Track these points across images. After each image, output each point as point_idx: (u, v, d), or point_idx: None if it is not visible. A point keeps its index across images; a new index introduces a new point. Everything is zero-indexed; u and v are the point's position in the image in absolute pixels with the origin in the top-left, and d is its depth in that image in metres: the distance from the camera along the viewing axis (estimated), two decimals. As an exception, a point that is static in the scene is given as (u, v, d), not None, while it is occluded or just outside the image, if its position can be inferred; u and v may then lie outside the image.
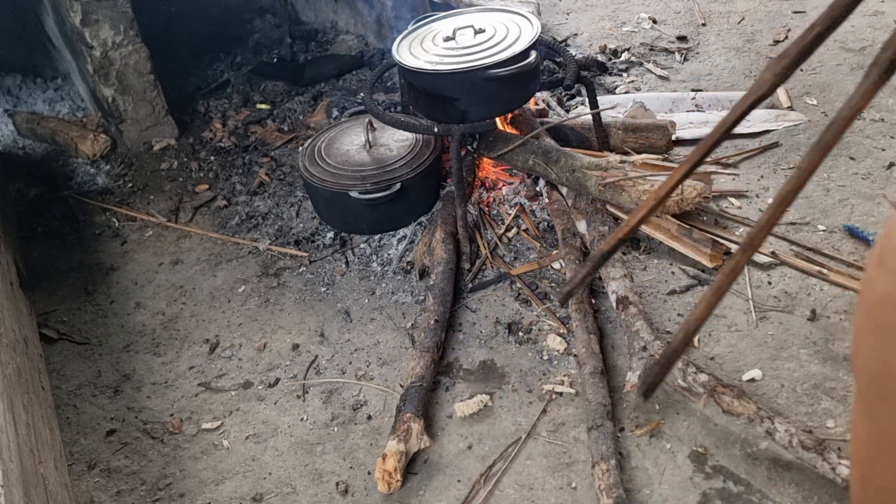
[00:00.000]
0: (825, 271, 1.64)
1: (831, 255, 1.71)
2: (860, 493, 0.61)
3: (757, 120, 2.23)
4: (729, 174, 1.99)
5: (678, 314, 1.66)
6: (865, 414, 0.57)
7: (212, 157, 2.52)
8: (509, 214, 1.99)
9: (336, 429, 1.54)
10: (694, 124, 2.24)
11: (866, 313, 0.51)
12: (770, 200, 1.94)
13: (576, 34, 2.98)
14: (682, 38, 2.81)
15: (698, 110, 2.36)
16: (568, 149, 1.91)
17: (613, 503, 1.23)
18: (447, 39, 1.86)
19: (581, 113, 2.25)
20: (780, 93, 2.33)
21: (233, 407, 1.63)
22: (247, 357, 1.75)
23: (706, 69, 2.59)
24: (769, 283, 1.70)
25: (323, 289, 1.90)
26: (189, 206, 2.31)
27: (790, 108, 2.28)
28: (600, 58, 2.74)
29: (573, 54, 2.07)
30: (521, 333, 1.68)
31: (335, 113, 2.61)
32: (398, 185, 1.93)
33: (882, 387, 0.52)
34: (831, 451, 1.23)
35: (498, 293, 1.80)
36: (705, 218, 1.87)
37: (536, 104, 2.36)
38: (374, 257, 1.97)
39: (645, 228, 1.82)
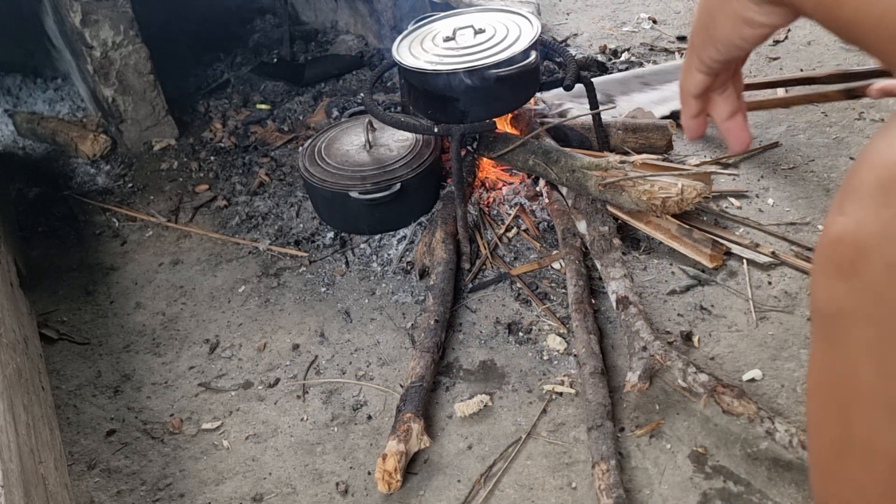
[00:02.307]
0: (825, 271, 1.64)
1: (831, 255, 1.70)
2: (813, 450, 0.61)
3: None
4: (729, 174, 1.99)
5: (678, 314, 1.66)
6: (817, 362, 0.58)
7: (212, 157, 2.52)
8: (509, 214, 1.99)
9: (336, 429, 1.54)
10: (655, 102, 2.30)
11: (821, 256, 0.53)
12: (770, 201, 1.94)
13: (576, 34, 2.98)
14: (682, 39, 2.81)
15: (650, 88, 2.40)
16: (568, 149, 1.91)
17: (613, 503, 1.23)
18: (447, 39, 1.86)
19: (581, 113, 2.25)
20: (781, 92, 2.33)
21: (233, 407, 1.63)
22: (247, 357, 1.75)
23: (706, 69, 2.58)
24: (769, 283, 1.70)
25: (323, 289, 1.90)
26: (189, 206, 2.31)
27: (786, 106, 2.28)
28: (600, 58, 2.74)
29: (573, 54, 2.07)
30: (521, 333, 1.68)
31: (335, 113, 2.61)
32: (398, 185, 1.93)
33: (833, 331, 0.53)
34: (831, 451, 1.23)
35: (498, 293, 1.80)
36: (705, 218, 1.87)
37: (536, 104, 2.36)
38: (374, 257, 1.97)
39: (645, 228, 1.82)
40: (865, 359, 0.51)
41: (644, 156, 1.80)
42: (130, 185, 2.45)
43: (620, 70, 2.66)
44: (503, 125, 2.11)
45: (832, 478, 0.58)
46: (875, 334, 0.50)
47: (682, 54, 2.70)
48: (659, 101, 2.31)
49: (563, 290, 1.76)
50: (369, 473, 1.42)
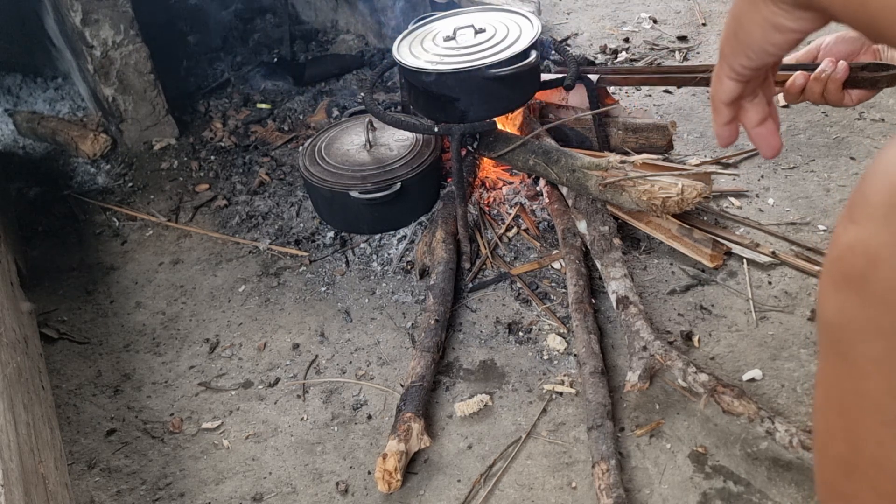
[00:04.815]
0: (825, 271, 1.64)
1: (831, 255, 1.70)
2: (820, 466, 0.60)
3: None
4: (729, 174, 1.99)
5: (678, 314, 1.66)
6: (824, 377, 0.57)
7: (212, 157, 2.52)
8: (509, 214, 1.99)
9: (336, 428, 1.54)
10: None
11: (830, 267, 0.52)
12: (770, 201, 1.94)
13: (576, 34, 2.98)
14: (682, 38, 2.81)
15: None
16: (568, 149, 1.91)
17: (613, 503, 1.23)
18: (447, 39, 1.86)
19: (582, 114, 2.25)
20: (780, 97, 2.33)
21: (233, 406, 1.63)
22: (247, 357, 1.75)
23: (706, 69, 2.59)
24: (769, 283, 1.70)
25: (323, 288, 1.90)
26: (189, 206, 2.31)
27: (786, 106, 2.28)
28: (600, 58, 2.74)
29: (574, 54, 2.08)
30: (521, 333, 1.68)
31: (335, 113, 2.61)
32: (398, 185, 1.93)
33: (841, 344, 0.52)
34: (831, 450, 1.23)
35: (498, 293, 1.80)
36: (705, 218, 1.87)
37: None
38: (375, 257, 1.97)
39: (645, 228, 1.82)
40: (874, 373, 0.50)
41: (644, 156, 1.80)
42: (130, 184, 2.45)
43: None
44: (503, 125, 2.11)
45: (839, 495, 0.58)
46: (884, 348, 0.49)
47: (684, 55, 2.70)
48: None
49: (563, 290, 1.76)
50: (369, 473, 1.42)
